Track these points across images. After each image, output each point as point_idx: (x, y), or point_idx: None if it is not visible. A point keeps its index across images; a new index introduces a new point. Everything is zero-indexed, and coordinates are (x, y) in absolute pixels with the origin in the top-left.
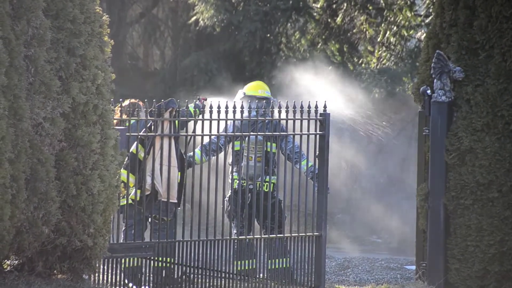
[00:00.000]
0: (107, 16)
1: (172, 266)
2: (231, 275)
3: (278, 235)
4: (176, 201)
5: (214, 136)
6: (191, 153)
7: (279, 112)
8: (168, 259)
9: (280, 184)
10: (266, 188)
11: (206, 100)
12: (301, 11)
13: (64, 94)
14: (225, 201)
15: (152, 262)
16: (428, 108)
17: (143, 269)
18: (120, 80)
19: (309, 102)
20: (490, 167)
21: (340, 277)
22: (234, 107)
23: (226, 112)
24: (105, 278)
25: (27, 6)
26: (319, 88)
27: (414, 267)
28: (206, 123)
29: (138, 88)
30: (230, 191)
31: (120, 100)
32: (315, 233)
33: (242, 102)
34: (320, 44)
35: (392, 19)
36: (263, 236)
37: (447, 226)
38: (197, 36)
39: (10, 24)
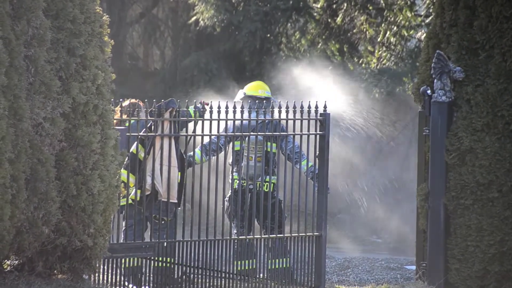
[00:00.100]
0: (107, 16)
1: (172, 266)
2: (231, 275)
3: (278, 235)
4: (176, 201)
5: (214, 136)
6: (191, 153)
7: (279, 112)
8: (168, 259)
9: (280, 184)
10: (266, 188)
11: (208, 104)
12: (301, 11)
13: (64, 94)
14: (225, 201)
15: (152, 262)
16: (428, 108)
17: (143, 269)
18: (120, 80)
19: (309, 102)
20: (490, 167)
21: (340, 277)
22: (234, 107)
23: (226, 112)
24: (105, 278)
25: (27, 6)
26: (319, 88)
27: (414, 267)
28: (206, 123)
29: (138, 88)
30: (230, 191)
31: (120, 100)
32: (315, 233)
33: (242, 102)
34: (320, 44)
35: (392, 19)
36: (263, 236)
37: (447, 226)
38: (197, 36)
39: (10, 24)
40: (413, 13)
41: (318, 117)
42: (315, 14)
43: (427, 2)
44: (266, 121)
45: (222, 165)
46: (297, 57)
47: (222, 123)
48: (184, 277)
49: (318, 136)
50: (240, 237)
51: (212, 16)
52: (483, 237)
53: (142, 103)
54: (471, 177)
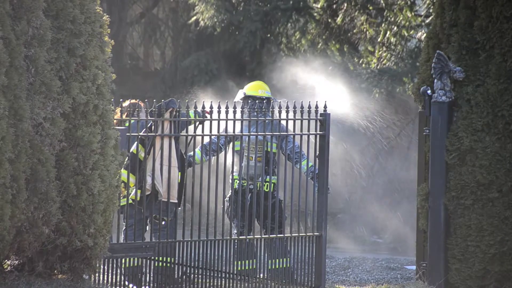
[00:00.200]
0: (107, 16)
1: (172, 266)
2: (231, 275)
3: (278, 235)
4: (176, 201)
5: (214, 136)
6: (191, 153)
7: (280, 112)
8: (169, 259)
9: (281, 184)
10: (267, 188)
11: (208, 113)
12: (301, 11)
13: (65, 94)
14: (225, 201)
15: (152, 262)
16: (428, 108)
17: (144, 269)
18: (120, 80)
19: (309, 102)
20: (491, 167)
21: (340, 277)
22: (234, 107)
23: (227, 112)
24: (105, 278)
25: (27, 6)
26: (319, 88)
27: (414, 267)
28: (206, 123)
29: (138, 88)
30: (230, 191)
31: (121, 100)
32: (315, 233)
33: (243, 102)
34: (320, 44)
35: (393, 19)
36: (263, 236)
37: (447, 226)
38: (198, 36)
39: (10, 24)
40: (413, 13)
41: (318, 117)
42: (315, 14)
43: (427, 2)
44: (266, 121)
45: (222, 165)
46: (297, 57)
47: (222, 124)
48: (184, 277)
49: (318, 136)
50: (240, 237)
51: (212, 16)
52: (483, 237)
53: (142, 103)
54: (471, 177)
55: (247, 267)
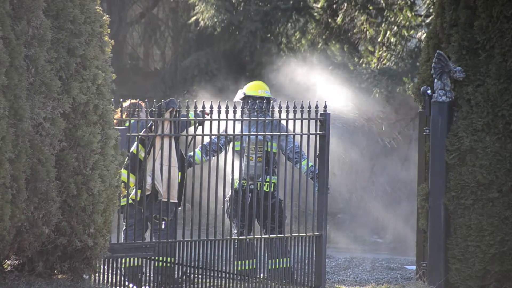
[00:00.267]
0: (107, 16)
1: (172, 266)
2: (231, 275)
3: (278, 235)
4: (176, 201)
5: (214, 136)
6: (191, 153)
7: (280, 112)
8: (169, 259)
9: (281, 184)
10: (267, 188)
11: (208, 114)
12: (301, 11)
13: (65, 94)
14: (226, 201)
15: (152, 262)
16: (428, 108)
17: (144, 269)
18: (121, 80)
19: (309, 102)
20: (491, 167)
21: (340, 277)
22: (235, 107)
23: (227, 112)
24: (105, 278)
25: (27, 6)
26: (319, 88)
27: (414, 267)
28: (206, 123)
29: (138, 88)
30: (230, 191)
31: (121, 100)
32: (315, 233)
33: (243, 102)
34: (320, 44)
35: (393, 19)
36: (263, 236)
37: (447, 226)
38: (198, 36)
39: (10, 24)
40: (413, 13)
41: (319, 117)
42: (316, 14)
43: (428, 2)
44: (267, 121)
45: (222, 165)
46: (297, 57)
47: (222, 124)
48: (184, 277)
49: (318, 136)
50: (240, 237)
51: (212, 16)
52: (483, 237)
53: (143, 103)
54: (472, 177)
55: (247, 267)
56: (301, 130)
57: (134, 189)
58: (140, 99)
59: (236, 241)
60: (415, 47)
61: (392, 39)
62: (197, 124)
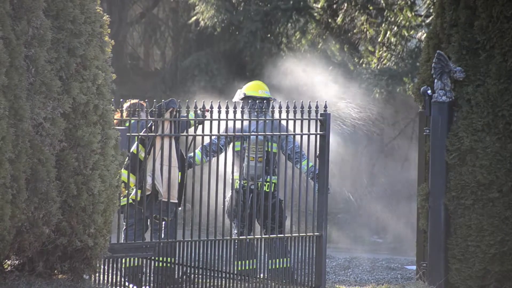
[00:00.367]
0: (107, 16)
1: (172, 266)
2: (231, 275)
3: (278, 235)
4: (176, 201)
5: (214, 137)
6: (191, 154)
7: (280, 112)
8: (169, 259)
9: (281, 184)
10: (267, 188)
11: (208, 111)
12: (301, 11)
13: (65, 94)
14: (226, 201)
15: (152, 262)
16: (428, 108)
17: (144, 269)
18: (121, 80)
19: (309, 102)
20: (491, 167)
21: (340, 277)
22: (235, 107)
23: (227, 112)
24: (105, 278)
25: (27, 6)
26: (319, 88)
27: (414, 267)
28: (207, 123)
29: (139, 88)
30: (231, 191)
31: (121, 100)
32: (315, 233)
33: (242, 102)
34: (320, 44)
35: (393, 19)
36: (263, 236)
37: (447, 226)
38: (198, 36)
39: (10, 24)
40: (413, 13)
41: (319, 117)
42: (316, 14)
43: (428, 2)
44: (267, 121)
45: (222, 165)
46: (297, 57)
47: (222, 124)
48: (184, 277)
49: (318, 136)
50: (240, 237)
51: (213, 16)
52: (483, 237)
53: (144, 103)
54: (472, 177)
55: (247, 267)
56: (301, 130)
57: (134, 189)
58: (140, 99)
59: (236, 241)
60: (415, 47)
61: (392, 39)
62: (197, 124)
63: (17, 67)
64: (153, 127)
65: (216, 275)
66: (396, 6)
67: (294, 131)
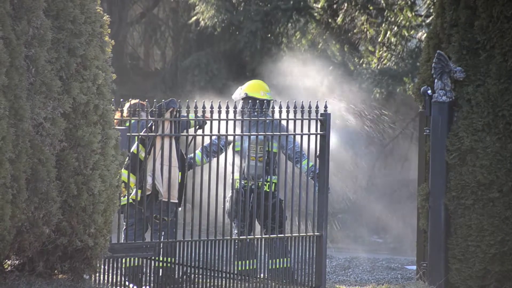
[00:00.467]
0: (107, 16)
1: (173, 266)
2: (231, 275)
3: (278, 235)
4: (177, 201)
5: (214, 137)
6: (191, 155)
7: (280, 112)
8: (169, 259)
9: (281, 184)
10: (268, 188)
11: (208, 118)
12: (301, 11)
13: (65, 94)
14: (226, 202)
15: (153, 262)
16: (428, 108)
17: (144, 269)
18: (121, 80)
19: (310, 102)
20: (491, 167)
21: (340, 277)
22: (235, 107)
23: (227, 112)
24: (105, 278)
25: (27, 6)
26: (319, 88)
27: (414, 267)
28: (207, 124)
29: (139, 88)
30: (231, 191)
31: (121, 100)
32: (315, 233)
33: (243, 102)
34: (320, 44)
35: (393, 19)
36: (263, 236)
37: (447, 226)
38: (198, 36)
39: (10, 24)
40: (413, 13)
41: (319, 117)
42: (316, 14)
43: (428, 2)
44: (267, 121)
45: (222, 165)
46: (297, 57)
47: (223, 124)
48: (184, 277)
49: (318, 136)
50: (240, 237)
51: (213, 16)
52: (483, 237)
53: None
54: (472, 177)
55: (247, 267)
56: (302, 130)
57: (135, 189)
58: (140, 99)
59: (236, 241)
60: (416, 47)
61: (393, 39)
62: (197, 127)
63: (17, 67)
64: (153, 127)
65: (216, 275)
66: (396, 6)
67: (294, 131)
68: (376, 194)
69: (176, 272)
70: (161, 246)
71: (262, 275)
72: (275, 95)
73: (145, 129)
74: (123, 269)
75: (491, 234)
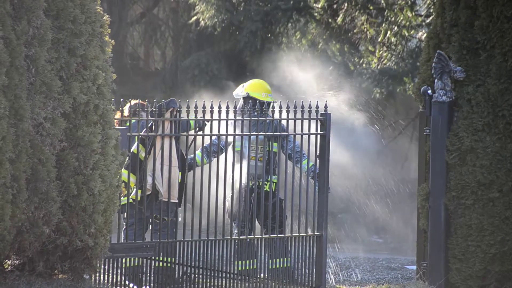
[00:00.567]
0: (107, 16)
1: (173, 266)
2: (232, 275)
3: (279, 235)
4: (177, 201)
5: (214, 137)
6: (191, 155)
7: (280, 112)
8: (169, 259)
9: (281, 184)
10: (268, 188)
11: (208, 121)
12: (302, 11)
13: (65, 94)
14: (226, 202)
15: (153, 262)
16: (429, 108)
17: (144, 269)
18: (121, 80)
19: (310, 102)
20: (491, 167)
21: (340, 277)
22: (235, 107)
23: (227, 112)
24: (106, 278)
25: (28, 6)
26: (320, 88)
27: (415, 267)
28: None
29: (139, 88)
30: (231, 191)
31: (121, 100)
32: (316, 233)
33: (243, 102)
34: (321, 44)
35: (393, 19)
36: (263, 236)
37: (448, 226)
38: (198, 36)
39: (11, 24)
40: (413, 13)
41: (319, 117)
42: (316, 14)
43: (428, 2)
44: (267, 121)
45: (222, 165)
46: (297, 57)
47: (223, 124)
48: (184, 277)
49: (318, 136)
50: (240, 237)
51: (213, 16)
52: (484, 237)
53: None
54: (472, 177)
55: (247, 267)
56: (302, 130)
57: (135, 189)
58: (140, 99)
59: (236, 241)
60: (416, 47)
61: (393, 39)
62: (197, 128)
63: (18, 67)
64: (153, 127)
65: (216, 275)
66: (396, 6)
67: (295, 130)
68: (376, 194)
69: (176, 272)
70: (161, 245)
71: (262, 275)
72: (275, 95)
73: (145, 129)
74: (123, 269)
75: (491, 234)
